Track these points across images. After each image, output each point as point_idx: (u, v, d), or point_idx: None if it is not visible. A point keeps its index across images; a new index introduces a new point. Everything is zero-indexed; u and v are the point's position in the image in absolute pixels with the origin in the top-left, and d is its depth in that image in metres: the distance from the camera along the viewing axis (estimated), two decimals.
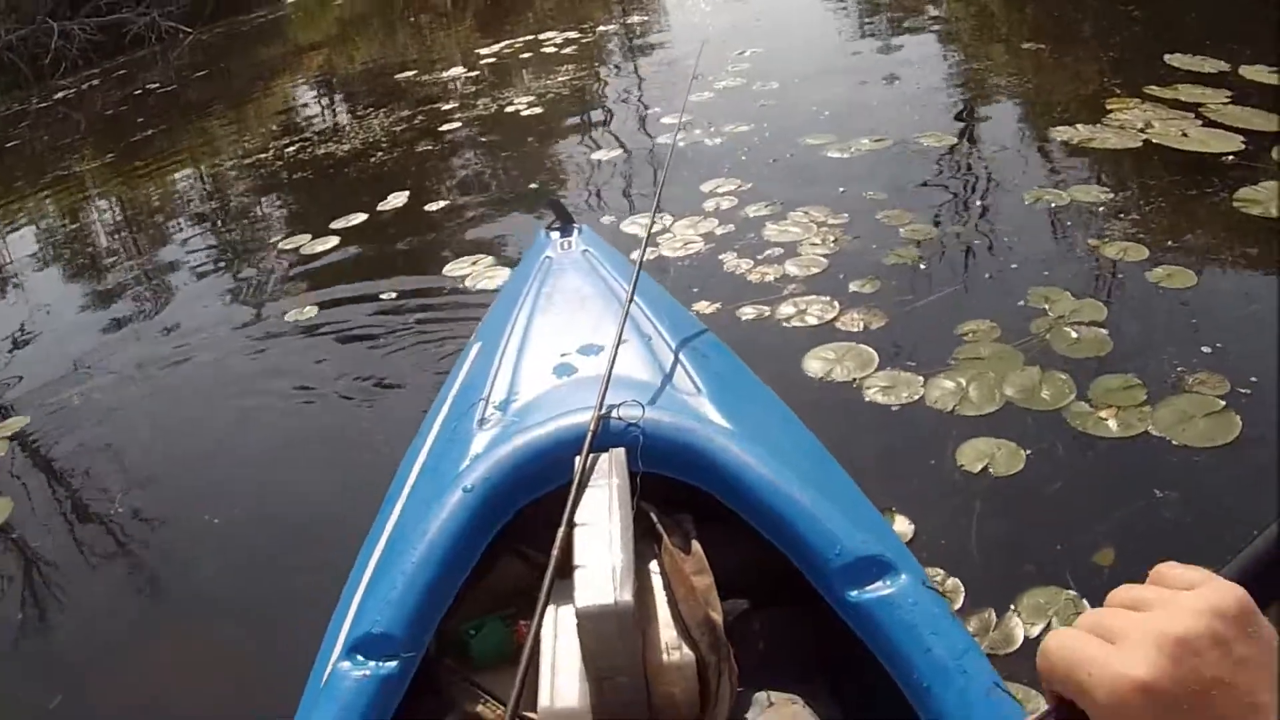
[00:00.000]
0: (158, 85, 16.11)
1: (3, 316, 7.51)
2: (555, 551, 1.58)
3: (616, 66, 10.17)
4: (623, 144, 7.38)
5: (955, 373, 3.78)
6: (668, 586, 1.67)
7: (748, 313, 4.49)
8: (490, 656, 1.82)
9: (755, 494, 1.76)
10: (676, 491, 1.83)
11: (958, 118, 6.53)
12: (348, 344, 5.33)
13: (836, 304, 4.40)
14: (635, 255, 3.29)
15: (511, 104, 8.98)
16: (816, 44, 8.94)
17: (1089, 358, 3.77)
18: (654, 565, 1.71)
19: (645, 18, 12.01)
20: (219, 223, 8.47)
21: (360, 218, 6.97)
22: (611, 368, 1.96)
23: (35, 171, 12.33)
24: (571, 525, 1.63)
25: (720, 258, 5.02)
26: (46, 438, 5.26)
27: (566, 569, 1.58)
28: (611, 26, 11.51)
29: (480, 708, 1.75)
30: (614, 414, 1.87)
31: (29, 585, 4.20)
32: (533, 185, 7.11)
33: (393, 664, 1.67)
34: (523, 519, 1.86)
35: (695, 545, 1.73)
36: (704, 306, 4.61)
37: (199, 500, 4.38)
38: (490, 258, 5.74)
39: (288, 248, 6.90)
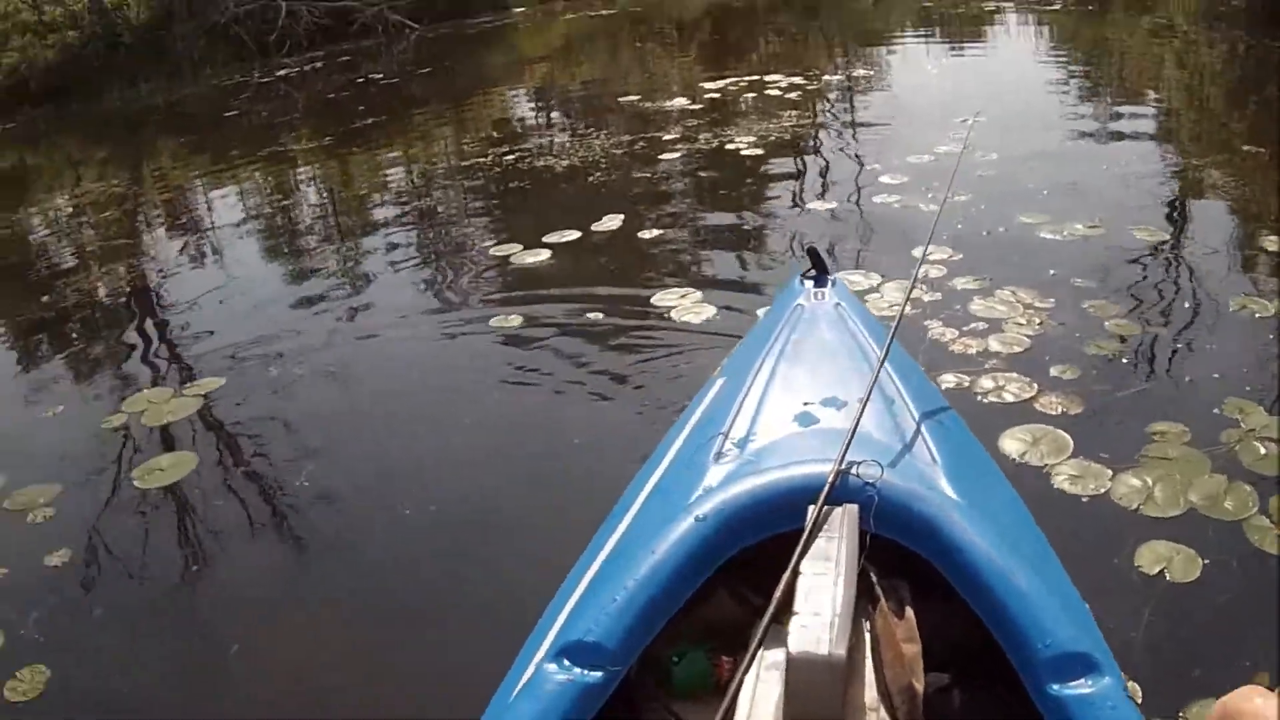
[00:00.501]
0: (380, 76, 16.70)
1: (207, 281, 7.97)
2: (778, 594, 1.62)
3: (840, 119, 10.28)
4: (842, 199, 7.50)
5: (1142, 471, 3.83)
6: (875, 649, 1.69)
7: (948, 380, 4.59)
8: (689, 686, 1.87)
9: (976, 572, 1.77)
10: (899, 557, 1.85)
11: (1171, 214, 6.53)
12: (549, 357, 5.55)
13: (1035, 385, 4.48)
14: (891, 313, 3.47)
15: (732, 142, 9.20)
16: (1036, 119, 8.92)
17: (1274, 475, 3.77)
18: (864, 625, 1.72)
19: (869, 71, 12.15)
20: (428, 220, 8.88)
21: (573, 235, 7.25)
22: (856, 424, 1.99)
23: (251, 143, 12.95)
24: (797, 572, 1.66)
25: (925, 324, 5.13)
26: (239, 400, 5.61)
27: (784, 614, 1.60)
28: (835, 77, 11.68)
29: None
30: (853, 470, 1.88)
31: (199, 540, 4.47)
32: (746, 229, 7.29)
33: (598, 674, 1.71)
34: (741, 558, 1.90)
35: (909, 612, 1.75)
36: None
37: (379, 482, 4.60)
38: (699, 293, 5.92)
39: (498, 254, 7.23)
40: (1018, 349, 4.83)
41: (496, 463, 4.65)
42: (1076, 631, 1.71)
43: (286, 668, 3.60)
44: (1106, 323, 4.98)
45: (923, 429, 2.24)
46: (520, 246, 7.20)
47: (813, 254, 3.27)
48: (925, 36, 14.79)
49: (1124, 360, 4.68)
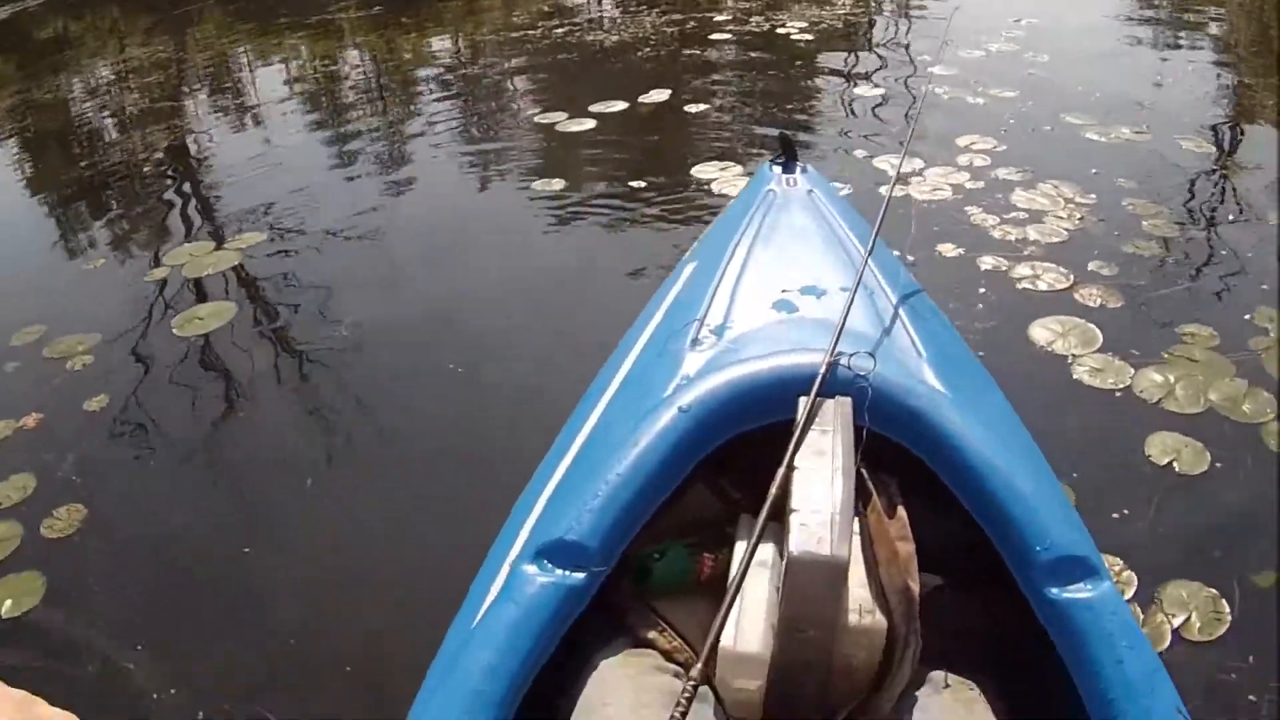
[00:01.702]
0: None
1: (251, 144, 8.05)
2: (774, 490, 1.55)
3: (893, 7, 10.20)
4: (888, 85, 7.47)
5: (1167, 368, 3.87)
6: (868, 548, 1.66)
7: (986, 263, 4.66)
8: (669, 584, 1.80)
9: (974, 472, 1.71)
10: (886, 452, 1.78)
11: (1219, 128, 6.45)
12: (588, 220, 5.67)
13: (1071, 276, 4.52)
14: (881, 193, 3.55)
15: (784, 26, 9.15)
16: (1094, 24, 8.79)
17: None
18: (856, 523, 1.65)
19: None
20: (474, 88, 8.89)
21: (620, 105, 7.28)
22: (846, 314, 1.91)
23: (298, 11, 12.87)
24: (792, 467, 1.59)
25: (966, 209, 5.18)
26: (279, 254, 5.70)
27: (779, 511, 1.55)
28: None
29: (654, 634, 1.74)
30: (844, 361, 1.80)
31: (236, 387, 4.58)
32: (790, 107, 7.31)
33: (580, 575, 1.66)
34: (724, 450, 1.83)
35: (901, 511, 1.70)
36: (948, 249, 4.80)
37: (414, 333, 4.72)
38: (739, 167, 5.98)
39: (544, 122, 7.27)
40: (1056, 240, 4.87)
41: (529, 315, 4.76)
42: (1073, 535, 1.69)
43: (316, 509, 3.73)
44: (1145, 223, 4.99)
45: (907, 322, 2.18)
46: (565, 115, 7.22)
47: (784, 140, 3.21)
48: None
49: (1160, 260, 4.70)
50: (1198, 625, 2.82)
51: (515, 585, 1.66)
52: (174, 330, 4.97)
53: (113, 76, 11.50)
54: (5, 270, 6.21)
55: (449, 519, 3.45)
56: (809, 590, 1.46)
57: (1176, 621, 2.84)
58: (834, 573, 1.45)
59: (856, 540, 1.62)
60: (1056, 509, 1.74)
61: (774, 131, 6.56)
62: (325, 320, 4.94)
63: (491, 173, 6.68)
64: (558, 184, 6.09)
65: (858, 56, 8.39)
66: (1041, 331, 4.15)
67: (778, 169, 3.11)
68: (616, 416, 2.06)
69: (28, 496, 3.90)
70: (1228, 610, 2.86)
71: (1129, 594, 2.91)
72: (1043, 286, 4.48)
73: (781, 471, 1.57)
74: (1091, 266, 4.61)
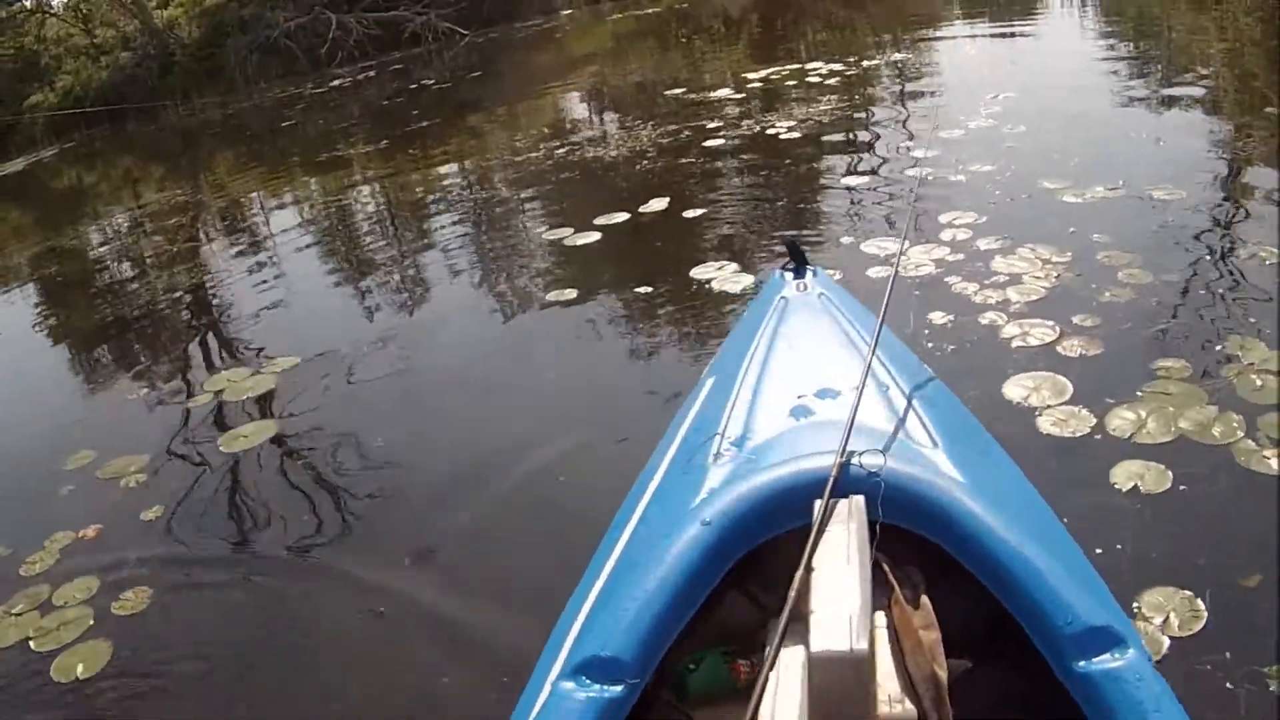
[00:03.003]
0: (432, 81, 17.19)
1: (275, 276, 8.64)
2: (792, 594, 1.59)
3: (876, 101, 10.56)
4: (873, 174, 7.82)
5: (1140, 404, 4.08)
6: (894, 639, 1.69)
7: (967, 323, 5.00)
8: (707, 692, 1.88)
9: (991, 553, 1.75)
10: (907, 543, 1.84)
11: (1191, 174, 6.60)
12: (600, 324, 6.06)
13: (1056, 329, 4.77)
14: (872, 275, 3.55)
15: (773, 127, 9.56)
16: (1072, 95, 9.05)
17: (1268, 405, 3.98)
18: (880, 617, 1.72)
19: (909, 55, 12.34)
20: (483, 210, 9.42)
21: (622, 217, 7.69)
22: (855, 413, 1.97)
23: (308, 150, 13.53)
24: (810, 568, 1.63)
25: (947, 279, 5.48)
26: (313, 376, 6.09)
27: (800, 611, 1.58)
28: (877, 61, 11.93)
29: None
30: (855, 460, 1.87)
31: (281, 494, 4.94)
32: (780, 204, 7.68)
33: (617, 689, 1.70)
34: (749, 558, 1.89)
35: (924, 600, 1.75)
36: (936, 316, 5.06)
37: (446, 442, 5.06)
38: (735, 264, 6.33)
39: (551, 238, 7.71)
40: (1034, 298, 5.13)
41: (551, 413, 5.07)
42: (1096, 605, 1.70)
43: (347, 619, 3.98)
44: (1120, 272, 5.22)
45: (919, 411, 2.22)
46: (572, 230, 7.66)
47: (791, 247, 3.24)
48: (969, 18, 14.94)
49: (1133, 305, 4.92)
50: (1177, 624, 3.03)
51: (556, 702, 1.71)
52: (220, 448, 5.38)
53: (131, 222, 12.24)
54: (50, 404, 6.76)
55: (493, 634, 3.61)
56: (835, 687, 1.50)
57: (1157, 622, 3.05)
58: (856, 668, 1.49)
59: (882, 633, 1.68)
60: (1079, 581, 1.75)
61: (768, 231, 7.00)
62: (358, 434, 5.28)
63: (505, 287, 7.17)
64: (570, 293, 6.49)
65: (845, 151, 8.77)
66: (1015, 390, 4.36)
67: (789, 275, 3.16)
68: (647, 532, 2.08)
69: (92, 595, 4.30)
70: (1203, 608, 3.07)
71: None
72: (1018, 343, 4.74)
73: (799, 574, 1.62)
74: (1065, 318, 4.85)
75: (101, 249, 11.52)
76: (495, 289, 7.21)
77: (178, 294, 8.70)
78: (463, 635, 3.67)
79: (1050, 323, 4.85)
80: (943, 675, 1.61)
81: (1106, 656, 1.62)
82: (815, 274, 3.16)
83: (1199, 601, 3.10)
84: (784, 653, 1.58)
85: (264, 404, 5.87)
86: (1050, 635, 1.66)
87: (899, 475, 1.86)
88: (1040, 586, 1.68)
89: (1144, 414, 4.04)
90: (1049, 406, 4.22)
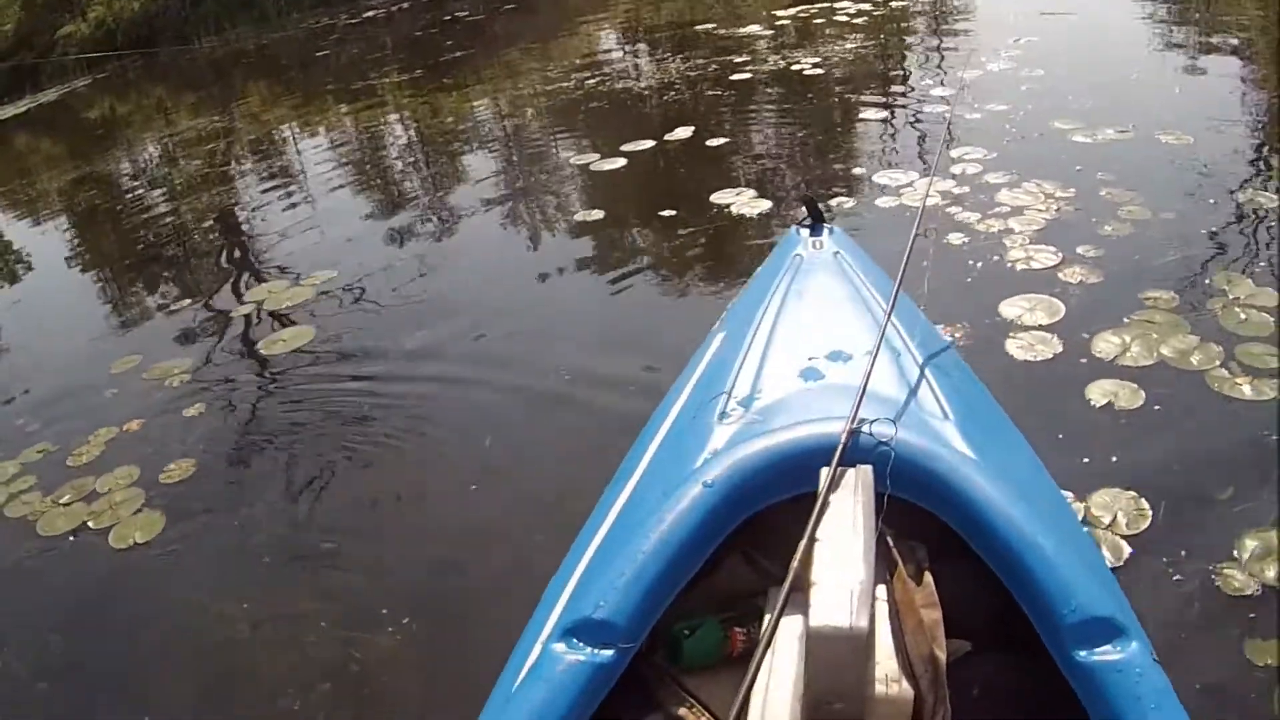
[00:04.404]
0: (466, 13, 17.17)
1: (306, 200, 8.93)
2: (795, 564, 1.57)
3: (900, 41, 10.63)
4: (890, 110, 8.00)
5: (1125, 330, 4.31)
6: (894, 616, 1.65)
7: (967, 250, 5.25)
8: (701, 659, 1.80)
9: (998, 535, 1.70)
10: (911, 517, 1.79)
11: (1200, 121, 6.72)
12: (625, 241, 6.43)
13: (1055, 257, 5.01)
14: (890, 225, 4.00)
15: (798, 63, 9.69)
16: (1095, 44, 9.17)
17: (1248, 336, 4.20)
18: (882, 591, 1.67)
19: None
20: (515, 137, 9.68)
21: (648, 144, 7.92)
22: (866, 381, 1.92)
23: (341, 80, 13.69)
24: (813, 539, 1.60)
25: (949, 210, 5.69)
26: (350, 287, 6.42)
27: (801, 583, 1.56)
28: (905, 2, 11.99)
29: (684, 711, 1.75)
30: (865, 428, 1.82)
31: (318, 391, 5.27)
32: (801, 135, 7.90)
33: (609, 653, 1.66)
34: (752, 522, 1.85)
35: (927, 577, 1.71)
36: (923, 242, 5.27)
37: (474, 345, 5.34)
38: (753, 191, 6.57)
39: (579, 163, 7.95)
40: (1034, 227, 5.35)
41: (567, 327, 5.40)
42: (1102, 595, 1.67)
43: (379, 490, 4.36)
44: (1120, 209, 5.42)
45: (932, 381, 2.18)
46: (598, 155, 7.92)
47: (808, 202, 3.22)
48: None
49: (1129, 239, 5.14)
50: (1124, 522, 3.30)
51: (545, 664, 1.67)
52: (261, 350, 5.76)
53: (165, 150, 12.50)
54: (96, 316, 7.15)
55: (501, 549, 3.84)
56: (833, 662, 1.48)
57: (1105, 521, 3.30)
58: (856, 644, 1.47)
59: (882, 609, 1.64)
60: (1085, 569, 1.72)
61: (787, 161, 7.22)
62: (393, 338, 5.61)
63: (534, 207, 7.50)
64: (597, 214, 6.81)
65: (867, 88, 8.92)
66: (1011, 309, 4.61)
67: (805, 232, 3.13)
68: (647, 492, 2.06)
69: (136, 480, 4.70)
70: (1148, 508, 3.33)
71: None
72: (1020, 268, 4.98)
73: (803, 544, 1.59)
74: (1060, 248, 5.09)
75: (137, 176, 11.79)
76: (524, 208, 7.51)
77: (216, 215, 9.04)
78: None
79: (1052, 249, 5.09)
80: (942, 657, 1.59)
81: (1108, 648, 1.60)
82: (832, 232, 3.14)
83: (1143, 502, 3.35)
84: (784, 624, 1.57)
85: (302, 312, 6.19)
86: (1052, 623, 1.63)
87: (909, 447, 1.81)
88: (1046, 572, 1.65)
89: (1128, 339, 4.26)
90: (1040, 326, 4.46)
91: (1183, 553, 3.16)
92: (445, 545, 3.92)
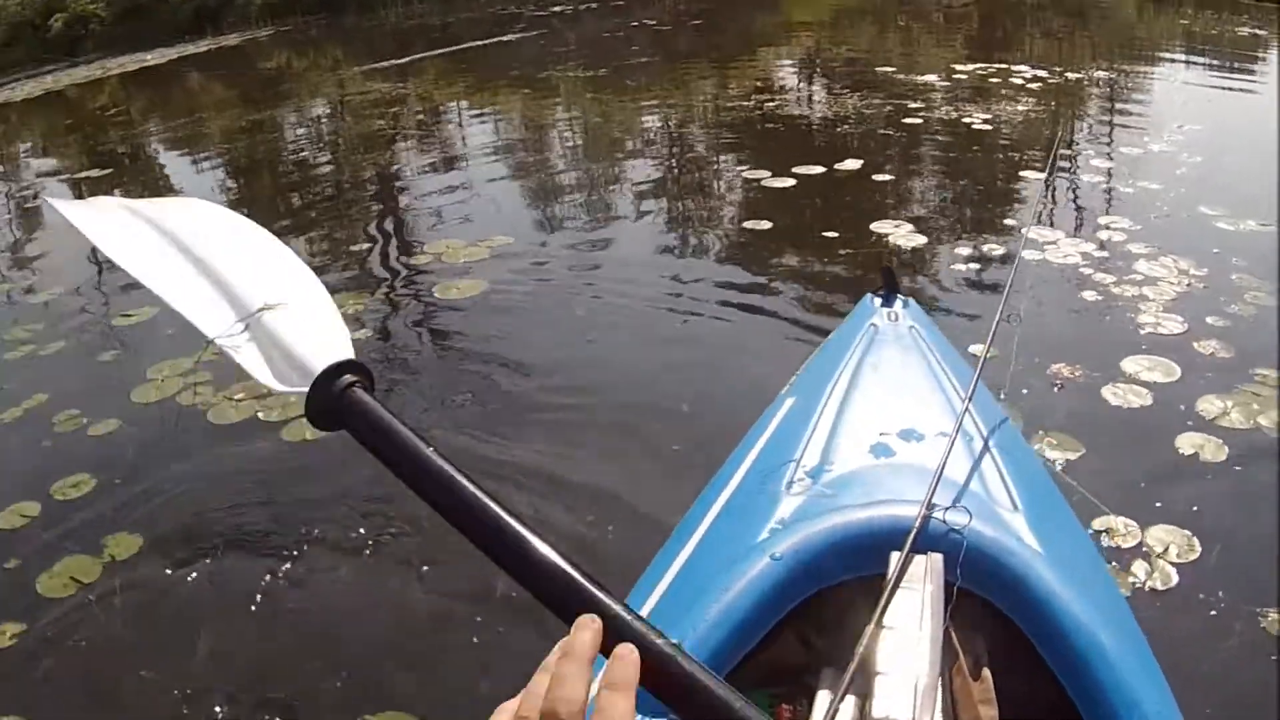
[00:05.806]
0: (653, 22, 17.95)
1: (490, 171, 9.81)
2: (859, 648, 1.53)
3: (1070, 110, 11.05)
4: (1050, 173, 8.36)
5: (1229, 397, 4.73)
6: (950, 711, 1.63)
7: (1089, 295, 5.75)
8: None
9: (1064, 636, 1.67)
10: (973, 607, 1.75)
11: None
12: (788, 251, 6.98)
13: (1181, 326, 5.44)
14: (975, 349, 4.16)
15: (969, 116, 10.23)
16: (1256, 138, 9.23)
17: None
18: (940, 685, 1.62)
19: (1114, 77, 12.65)
20: (689, 144, 10.44)
21: (818, 169, 8.53)
22: (944, 465, 1.89)
23: (523, 66, 14.59)
24: (880, 625, 1.57)
25: (1085, 271, 6.20)
26: (522, 252, 7.25)
27: (864, 669, 1.53)
28: (1081, 76, 12.34)
29: None
30: (938, 515, 1.78)
31: (485, 335, 5.97)
32: (962, 184, 8.40)
33: None
34: (810, 599, 1.81)
35: (986, 672, 1.67)
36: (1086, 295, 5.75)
37: (630, 318, 6.02)
38: (910, 226, 7.14)
39: (750, 177, 8.62)
40: (1165, 298, 5.78)
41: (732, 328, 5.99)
42: (1160, 704, 1.64)
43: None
44: (1247, 294, 5.81)
45: (1001, 467, 2.15)
46: (769, 173, 8.55)
47: (886, 273, 3.23)
48: (1189, 53, 15.00)
49: (1249, 320, 5.54)
50: (1175, 553, 3.74)
51: None
52: (434, 293, 6.54)
53: (335, 109, 13.47)
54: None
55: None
56: None
57: (1158, 550, 3.75)
58: None
59: (940, 703, 1.59)
60: (1143, 675, 1.68)
61: (939, 206, 7.74)
62: (562, 302, 6.37)
63: (704, 210, 8.21)
64: (764, 224, 7.45)
65: (1029, 149, 9.33)
66: (1132, 365, 5.07)
67: (878, 301, 3.16)
68: (710, 555, 2.05)
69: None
70: (1198, 545, 3.77)
71: (1131, 542, 3.75)
72: (1147, 330, 5.44)
73: (869, 629, 1.55)
74: (1184, 320, 5.51)
75: (313, 130, 12.85)
76: (693, 208, 8.25)
77: (389, 175, 10.06)
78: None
79: (1179, 318, 5.51)
80: None
81: None
82: (906, 304, 3.17)
83: (1194, 539, 3.79)
84: (839, 708, 1.49)
85: (477, 269, 6.96)
86: None
87: (981, 537, 1.77)
88: (1107, 676, 1.62)
89: (1230, 404, 4.68)
90: (1154, 383, 4.91)
91: (1221, 592, 3.55)
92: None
